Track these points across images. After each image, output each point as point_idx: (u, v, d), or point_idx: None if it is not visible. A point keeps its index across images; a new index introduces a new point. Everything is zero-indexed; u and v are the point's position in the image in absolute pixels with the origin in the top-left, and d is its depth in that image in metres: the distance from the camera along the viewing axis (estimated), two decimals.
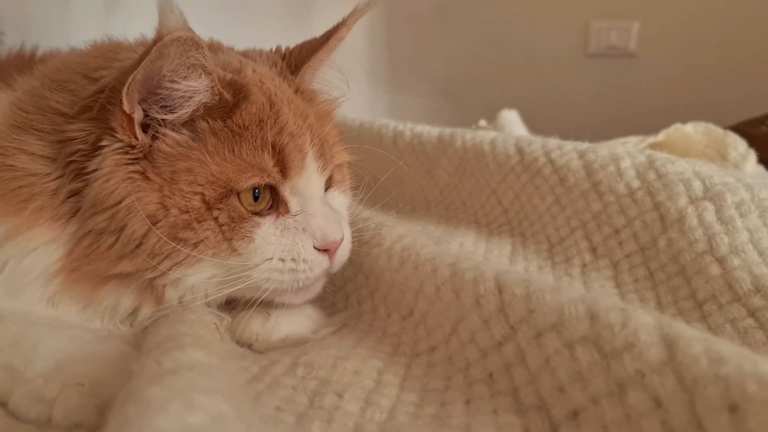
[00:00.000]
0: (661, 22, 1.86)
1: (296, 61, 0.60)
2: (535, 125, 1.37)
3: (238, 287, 0.50)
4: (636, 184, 0.63)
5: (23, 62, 0.69)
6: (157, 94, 0.46)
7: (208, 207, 0.47)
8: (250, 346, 0.53)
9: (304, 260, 0.51)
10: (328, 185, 0.59)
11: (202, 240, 0.47)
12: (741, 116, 1.37)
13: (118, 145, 0.46)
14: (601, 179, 0.66)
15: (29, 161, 0.47)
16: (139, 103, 0.46)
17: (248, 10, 1.83)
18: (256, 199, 0.50)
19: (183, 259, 0.47)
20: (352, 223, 0.61)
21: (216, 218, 0.48)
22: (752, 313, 0.48)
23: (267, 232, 0.50)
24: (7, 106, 0.50)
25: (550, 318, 0.39)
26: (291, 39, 0.64)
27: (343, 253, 0.55)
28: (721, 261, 0.53)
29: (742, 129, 1.20)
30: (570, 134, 0.77)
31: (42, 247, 0.46)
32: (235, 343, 0.53)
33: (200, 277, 0.49)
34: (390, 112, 1.95)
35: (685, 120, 1.14)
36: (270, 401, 0.40)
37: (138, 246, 0.46)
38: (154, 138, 0.48)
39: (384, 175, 0.95)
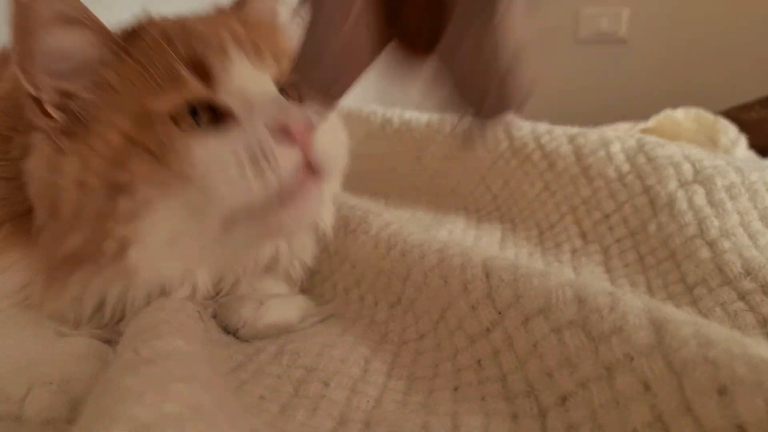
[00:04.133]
0: (652, 8, 1.85)
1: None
2: (524, 111, 1.36)
3: (209, 218, 0.44)
4: (626, 168, 0.63)
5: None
6: (48, 62, 0.43)
7: (132, 140, 0.43)
8: (236, 333, 0.51)
9: (263, 154, 0.43)
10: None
11: (140, 177, 0.43)
12: (731, 102, 1.37)
13: (40, 134, 0.44)
14: (591, 164, 0.66)
15: None
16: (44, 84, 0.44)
17: None
18: (196, 120, 0.45)
19: (129, 212, 0.43)
20: (339, 211, 0.60)
21: (147, 148, 0.43)
22: (742, 296, 0.47)
23: (209, 145, 0.44)
24: None
25: (538, 303, 0.39)
26: None
27: (324, 144, 0.46)
28: (711, 244, 0.52)
29: (733, 115, 1.19)
30: (560, 120, 0.76)
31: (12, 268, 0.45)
32: (221, 331, 0.52)
33: (165, 228, 0.44)
34: (379, 99, 1.93)
35: (675, 106, 1.14)
36: (254, 390, 0.40)
37: (76, 215, 0.43)
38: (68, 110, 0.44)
39: (372, 161, 0.94)
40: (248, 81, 0.47)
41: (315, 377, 0.41)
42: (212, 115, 0.46)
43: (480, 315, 0.42)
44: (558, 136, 0.71)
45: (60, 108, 0.44)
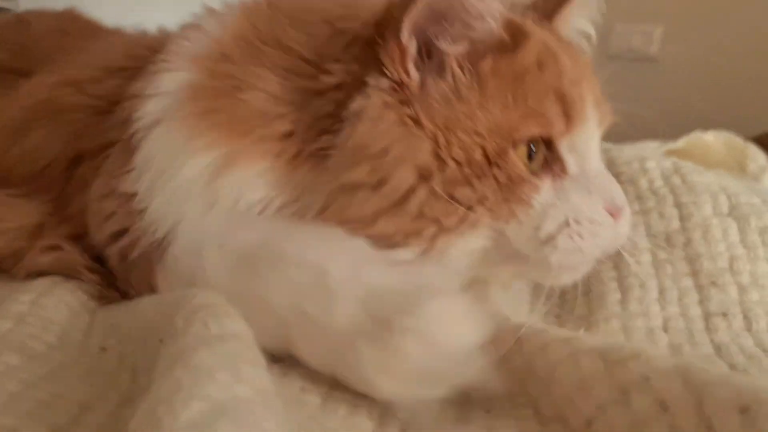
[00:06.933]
0: (685, 28, 1.84)
1: (548, 8, 0.53)
2: None
3: (504, 252, 0.44)
4: (659, 183, 0.64)
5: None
6: (440, 22, 0.41)
7: (489, 162, 0.42)
8: None
9: (596, 221, 0.44)
10: None
11: (481, 200, 0.42)
12: (761, 128, 1.36)
13: (386, 82, 0.42)
14: (623, 171, 0.66)
15: (263, 99, 0.44)
16: (413, 34, 0.42)
17: None
18: (530, 157, 0.44)
19: (455, 225, 0.41)
20: None
21: (495, 176, 0.42)
22: (765, 349, 0.48)
23: (545, 196, 0.44)
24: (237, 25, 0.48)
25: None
26: None
27: (626, 224, 0.47)
28: (741, 288, 0.53)
29: (764, 141, 1.19)
30: None
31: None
32: None
33: (468, 248, 0.43)
34: None
35: (704, 128, 1.14)
36: (294, 382, 0.40)
37: (401, 203, 0.41)
38: (424, 79, 0.43)
39: None
40: (590, 139, 0.47)
41: None
42: (544, 158, 0.45)
43: None
44: None
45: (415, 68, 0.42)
